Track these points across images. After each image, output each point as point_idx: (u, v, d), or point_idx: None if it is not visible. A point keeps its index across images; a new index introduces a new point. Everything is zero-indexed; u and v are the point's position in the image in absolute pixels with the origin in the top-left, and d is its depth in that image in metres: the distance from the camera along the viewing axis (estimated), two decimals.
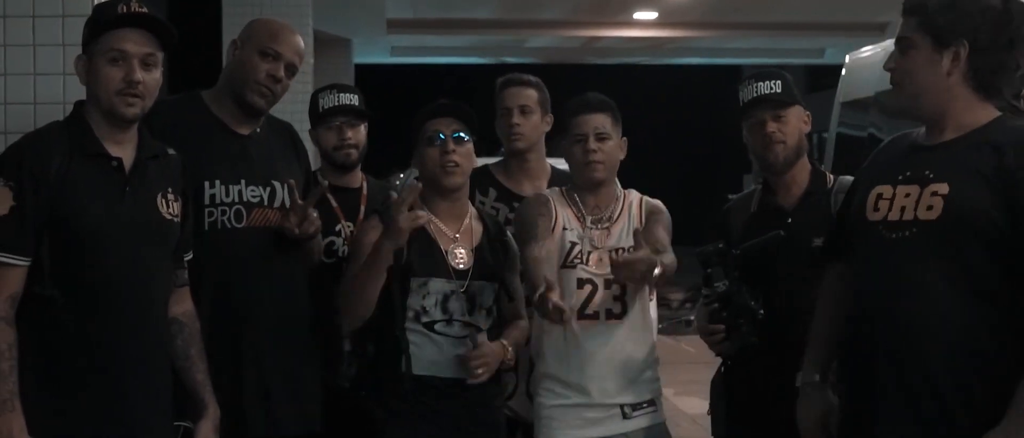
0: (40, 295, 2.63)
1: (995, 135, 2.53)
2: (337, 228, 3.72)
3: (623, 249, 3.25)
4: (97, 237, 2.66)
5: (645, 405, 3.33)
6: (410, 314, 3.21)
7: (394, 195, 3.53)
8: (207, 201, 3.13)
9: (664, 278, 3.05)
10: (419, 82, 18.40)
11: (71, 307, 2.64)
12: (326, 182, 3.57)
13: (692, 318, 5.86)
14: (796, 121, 3.30)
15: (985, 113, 2.58)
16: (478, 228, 3.37)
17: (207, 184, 3.13)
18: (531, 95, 3.89)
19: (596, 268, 3.30)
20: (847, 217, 2.77)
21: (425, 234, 3.25)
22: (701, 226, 3.57)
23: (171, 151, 2.89)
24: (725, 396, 3.39)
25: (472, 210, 3.41)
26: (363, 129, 3.84)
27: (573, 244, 3.32)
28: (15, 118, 3.09)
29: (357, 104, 3.82)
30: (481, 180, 3.82)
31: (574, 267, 3.30)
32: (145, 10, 2.72)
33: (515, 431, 3.60)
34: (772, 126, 3.26)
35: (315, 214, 3.21)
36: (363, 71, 15.32)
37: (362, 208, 3.77)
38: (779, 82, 3.31)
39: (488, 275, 3.30)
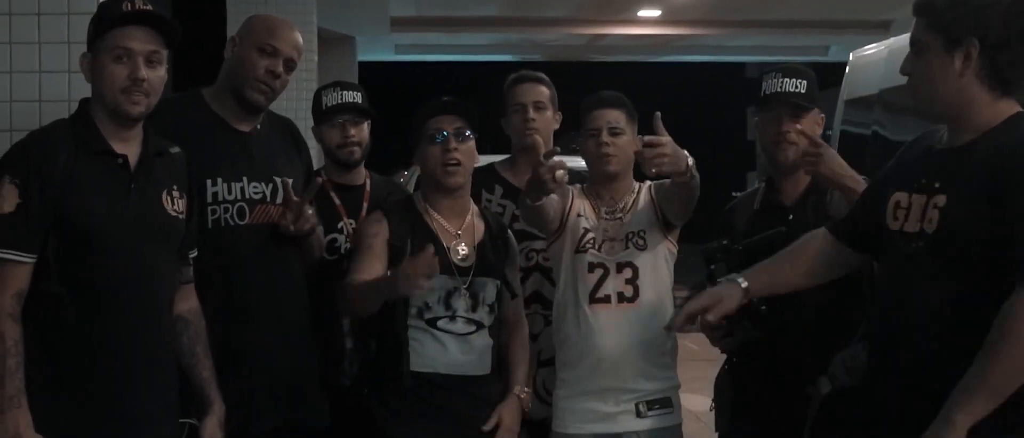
0: (46, 292, 2.64)
1: (1003, 137, 2.44)
2: (339, 226, 3.72)
3: (636, 232, 3.34)
4: (102, 234, 2.67)
5: (658, 406, 3.36)
6: (413, 310, 3.21)
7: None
8: (210, 199, 3.13)
9: (693, 176, 3.10)
10: (423, 80, 18.42)
11: (77, 304, 2.65)
12: (321, 179, 3.57)
13: None
14: (811, 125, 3.29)
15: (1004, 109, 2.49)
16: (480, 225, 3.38)
17: (209, 182, 3.13)
18: (543, 92, 3.88)
19: (607, 254, 3.35)
20: (865, 210, 2.73)
21: (427, 230, 3.26)
22: (705, 223, 3.57)
23: (175, 148, 2.89)
24: (728, 391, 3.40)
25: (474, 207, 3.42)
26: (366, 127, 3.84)
27: (586, 230, 3.39)
28: (21, 116, 3.10)
29: (360, 102, 3.82)
30: (487, 178, 3.81)
31: (585, 251, 3.36)
32: (150, 8, 2.72)
33: (520, 429, 3.60)
34: (788, 126, 3.26)
35: (311, 211, 3.22)
36: (367, 69, 15.32)
37: (365, 205, 3.77)
38: (805, 82, 3.29)
39: (490, 272, 3.31)
